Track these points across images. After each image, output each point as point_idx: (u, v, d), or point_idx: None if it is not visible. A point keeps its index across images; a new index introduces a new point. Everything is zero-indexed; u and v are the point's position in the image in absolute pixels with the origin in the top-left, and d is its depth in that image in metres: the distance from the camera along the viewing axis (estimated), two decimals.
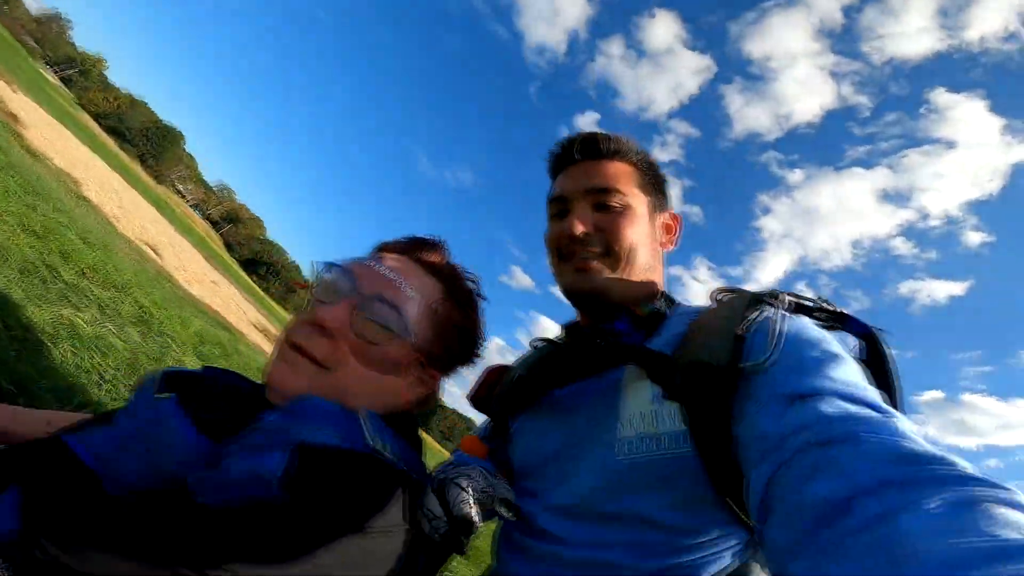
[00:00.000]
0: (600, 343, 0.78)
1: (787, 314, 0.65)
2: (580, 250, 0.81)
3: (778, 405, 0.53)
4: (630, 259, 0.81)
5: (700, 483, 0.62)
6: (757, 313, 0.65)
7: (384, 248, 0.74)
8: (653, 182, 0.88)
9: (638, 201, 0.84)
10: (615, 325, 0.80)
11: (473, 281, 0.76)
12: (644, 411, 0.68)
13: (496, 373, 0.97)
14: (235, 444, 0.53)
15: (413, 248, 0.73)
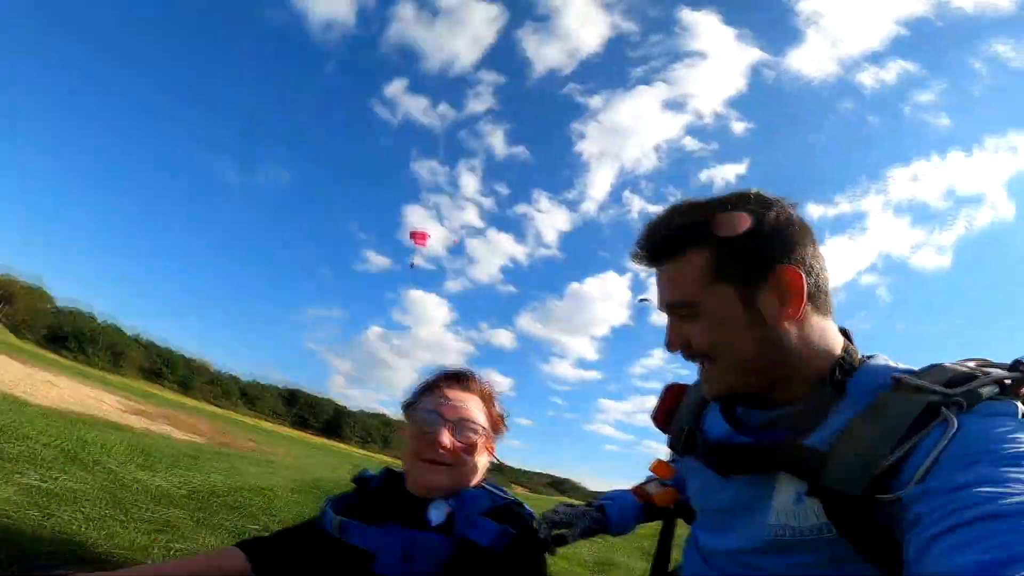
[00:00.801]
0: (758, 447, 0.80)
1: (967, 422, 0.60)
2: (690, 360, 0.84)
3: (939, 496, 0.55)
4: (733, 362, 0.78)
5: (849, 551, 0.68)
6: (925, 432, 0.61)
7: (436, 386, 1.16)
8: (737, 256, 0.75)
9: (715, 296, 0.76)
10: (767, 418, 0.81)
11: (491, 385, 1.21)
12: (789, 509, 0.73)
13: (674, 394, 1.07)
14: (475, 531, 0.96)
15: (456, 379, 1.17)
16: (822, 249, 0.79)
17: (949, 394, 0.63)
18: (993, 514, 0.48)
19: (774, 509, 0.75)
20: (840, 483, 0.65)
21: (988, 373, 0.65)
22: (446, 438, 1.05)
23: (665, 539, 1.22)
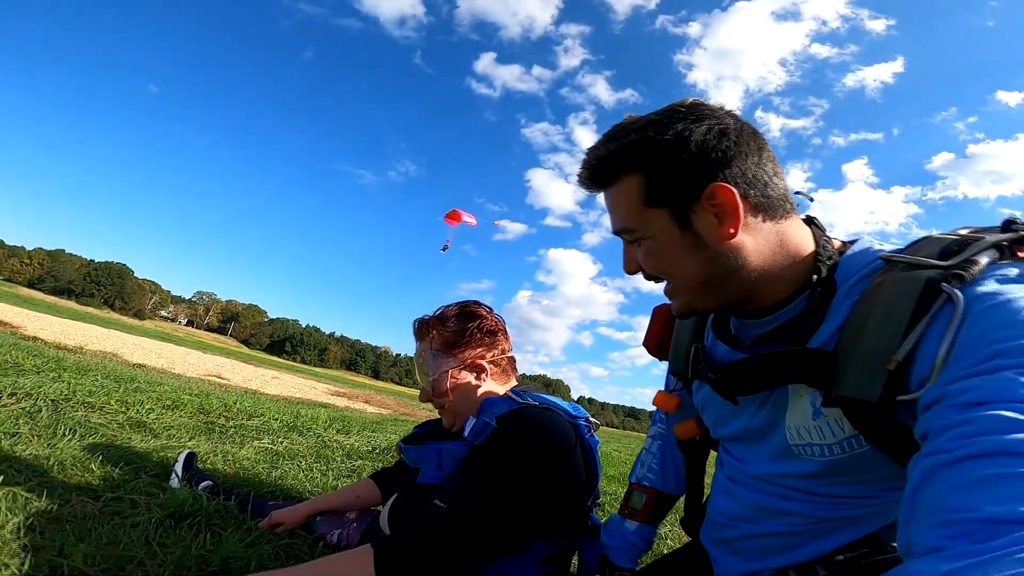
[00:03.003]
0: (759, 358, 0.73)
1: (977, 295, 0.52)
2: (650, 280, 0.78)
3: (954, 411, 0.47)
4: (685, 284, 0.74)
5: (882, 465, 0.63)
6: (931, 314, 0.54)
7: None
8: (666, 180, 0.70)
9: (652, 222, 0.72)
10: (764, 330, 0.75)
11: (442, 311, 1.23)
12: (808, 425, 0.69)
13: (665, 315, 1.02)
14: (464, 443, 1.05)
15: (416, 332, 1.24)
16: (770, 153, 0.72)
17: (946, 266, 0.57)
18: (1012, 450, 0.41)
19: (793, 428, 0.72)
20: (855, 388, 0.59)
21: (982, 238, 0.59)
22: (423, 395, 1.22)
23: (694, 472, 1.12)
